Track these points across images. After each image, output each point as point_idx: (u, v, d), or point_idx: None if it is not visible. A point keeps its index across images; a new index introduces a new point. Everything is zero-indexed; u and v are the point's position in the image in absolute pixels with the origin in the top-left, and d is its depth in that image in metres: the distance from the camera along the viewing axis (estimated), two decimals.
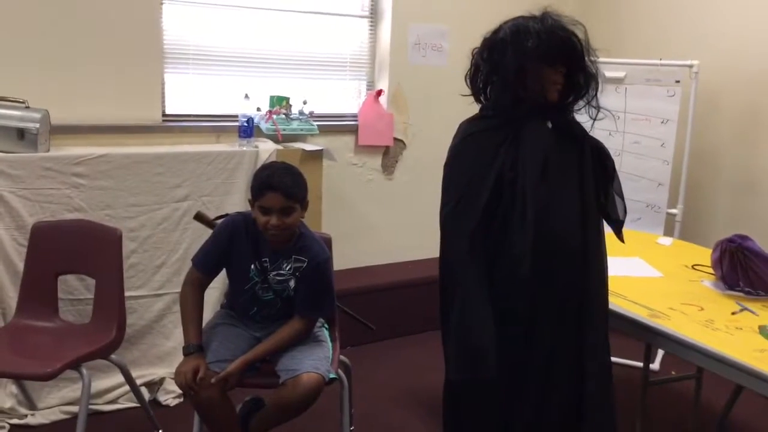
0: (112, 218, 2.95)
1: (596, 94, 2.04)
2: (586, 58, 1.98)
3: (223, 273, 2.42)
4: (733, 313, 2.25)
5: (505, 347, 1.93)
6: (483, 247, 1.94)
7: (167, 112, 3.43)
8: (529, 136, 1.96)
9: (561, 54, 1.95)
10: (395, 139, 4.10)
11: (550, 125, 1.99)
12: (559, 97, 1.99)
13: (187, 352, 2.23)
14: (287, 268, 2.32)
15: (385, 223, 4.14)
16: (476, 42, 2.09)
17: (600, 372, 2.03)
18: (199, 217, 2.66)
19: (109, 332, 2.53)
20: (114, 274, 2.60)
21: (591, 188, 2.02)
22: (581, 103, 2.05)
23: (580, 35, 1.97)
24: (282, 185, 2.21)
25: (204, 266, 2.35)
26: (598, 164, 2.06)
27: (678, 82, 3.62)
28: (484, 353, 1.91)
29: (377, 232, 4.12)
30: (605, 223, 2.12)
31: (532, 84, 1.94)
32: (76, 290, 2.89)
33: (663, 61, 3.65)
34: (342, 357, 2.54)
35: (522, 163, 1.93)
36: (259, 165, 3.16)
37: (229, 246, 2.33)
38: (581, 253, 1.98)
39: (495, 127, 2.00)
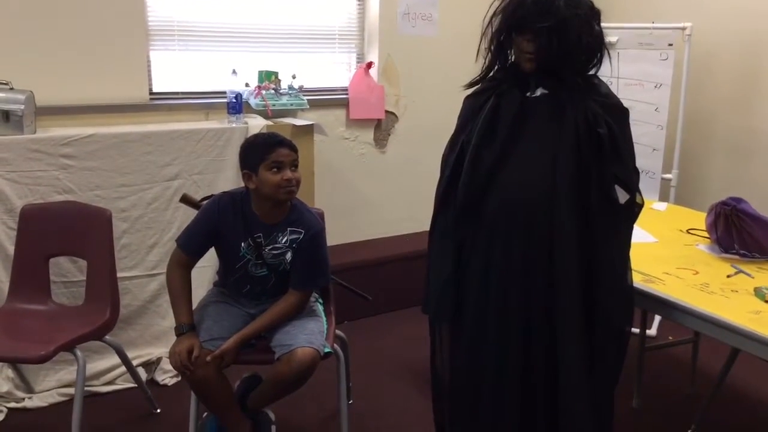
0: (101, 199, 2.92)
1: (594, 63, 1.90)
2: (575, 24, 1.80)
3: (213, 251, 2.41)
4: (728, 276, 2.24)
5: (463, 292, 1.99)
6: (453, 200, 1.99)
7: (154, 90, 3.38)
8: (500, 102, 1.93)
9: (523, 20, 1.83)
10: (387, 111, 4.06)
11: (539, 93, 1.93)
12: (540, 65, 1.87)
13: (179, 332, 2.22)
14: (283, 241, 2.31)
15: (379, 196, 4.12)
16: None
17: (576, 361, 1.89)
18: (186, 199, 2.64)
19: (102, 313, 2.52)
20: (105, 255, 2.59)
21: (569, 163, 1.84)
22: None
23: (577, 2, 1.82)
24: (286, 140, 2.29)
25: (189, 247, 2.33)
26: (590, 136, 1.84)
27: (671, 45, 3.58)
28: (437, 299, 2.00)
29: (371, 205, 4.10)
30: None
31: (514, 52, 1.92)
32: (68, 272, 2.87)
33: (655, 25, 3.60)
34: (338, 331, 2.53)
35: (474, 126, 1.95)
36: None
37: (217, 226, 2.31)
38: (547, 231, 1.85)
39: (481, 92, 2.01)
